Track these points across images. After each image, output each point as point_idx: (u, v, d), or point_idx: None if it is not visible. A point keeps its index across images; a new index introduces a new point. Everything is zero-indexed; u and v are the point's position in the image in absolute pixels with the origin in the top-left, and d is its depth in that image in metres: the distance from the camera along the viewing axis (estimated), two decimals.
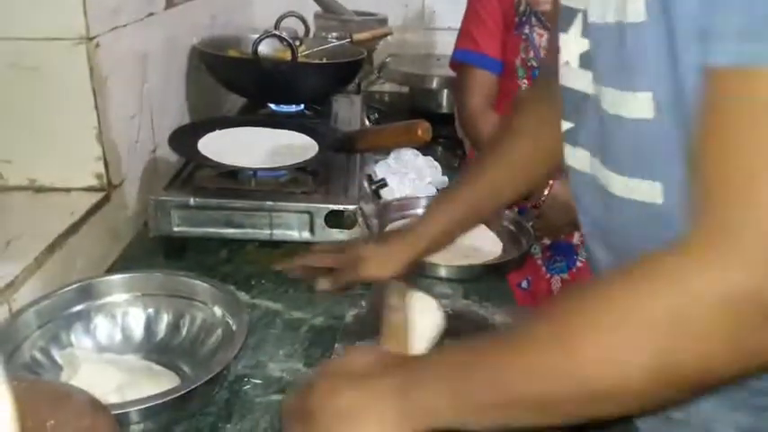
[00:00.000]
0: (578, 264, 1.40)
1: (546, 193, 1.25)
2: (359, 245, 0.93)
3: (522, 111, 0.89)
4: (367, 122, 1.55)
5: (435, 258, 0.98)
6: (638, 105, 0.55)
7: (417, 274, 1.02)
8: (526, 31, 1.26)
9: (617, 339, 0.46)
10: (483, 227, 1.10)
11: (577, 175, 0.68)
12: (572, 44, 0.64)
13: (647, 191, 0.57)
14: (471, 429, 0.52)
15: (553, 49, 0.72)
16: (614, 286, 0.49)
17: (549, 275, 1.43)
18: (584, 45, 0.63)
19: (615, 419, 0.57)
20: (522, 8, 1.30)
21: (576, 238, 1.38)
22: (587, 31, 0.61)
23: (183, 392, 0.66)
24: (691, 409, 0.63)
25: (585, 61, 0.63)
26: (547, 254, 1.41)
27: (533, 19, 1.29)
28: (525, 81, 1.30)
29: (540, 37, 1.25)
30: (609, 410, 0.49)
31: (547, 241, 1.39)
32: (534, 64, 1.27)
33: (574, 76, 0.65)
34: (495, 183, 0.88)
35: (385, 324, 0.75)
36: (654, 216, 0.58)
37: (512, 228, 1.17)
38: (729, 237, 0.44)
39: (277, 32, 1.37)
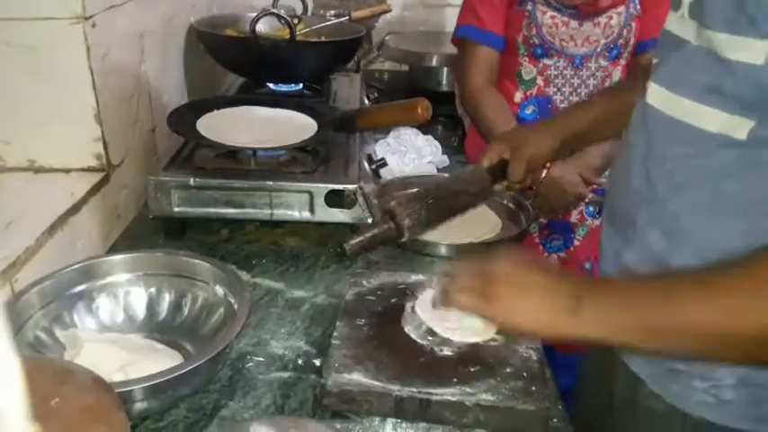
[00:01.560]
0: (575, 242, 1.40)
1: (543, 175, 1.25)
2: (506, 134, 0.99)
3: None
4: (366, 101, 1.55)
5: (434, 236, 0.98)
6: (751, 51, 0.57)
7: (415, 252, 1.03)
8: (529, 7, 1.25)
9: None
10: (483, 205, 1.10)
11: (649, 108, 0.71)
12: None
13: (736, 125, 0.61)
14: (629, 346, 0.61)
15: None
16: None
17: (546, 254, 1.43)
18: None
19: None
20: None
21: (573, 217, 1.38)
22: None
23: (185, 370, 0.67)
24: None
25: (692, 11, 0.66)
26: (544, 232, 1.41)
27: None
28: (526, 58, 1.29)
29: (543, 14, 1.24)
30: None
31: (544, 220, 1.39)
32: (536, 41, 1.26)
33: (680, 24, 0.68)
34: (625, 104, 0.88)
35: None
36: (736, 150, 0.61)
37: (511, 206, 1.18)
38: None
39: (275, 11, 1.36)
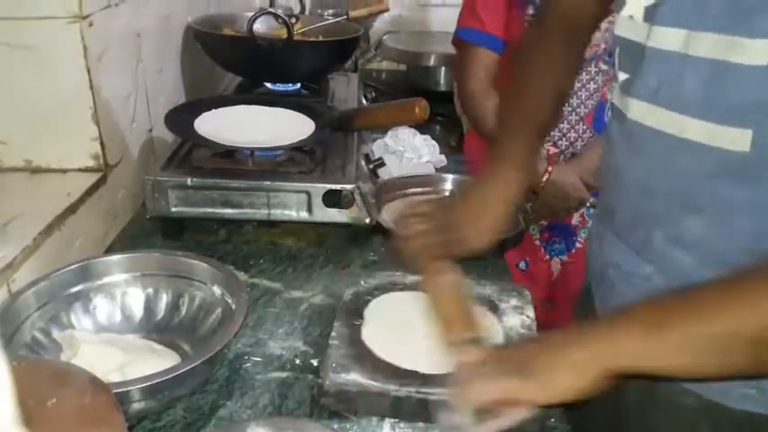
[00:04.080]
0: (577, 245, 1.40)
1: (545, 179, 1.25)
2: (449, 222, 0.84)
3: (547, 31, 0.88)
4: (364, 101, 1.55)
5: None
6: (753, 51, 0.55)
7: None
8: (530, 10, 1.25)
9: None
10: None
11: (635, 125, 0.68)
12: None
13: (735, 138, 0.58)
14: (659, 374, 0.57)
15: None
16: None
17: (548, 257, 1.43)
18: None
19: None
20: None
21: (574, 219, 1.38)
22: None
23: (183, 371, 0.66)
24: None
25: (649, 15, 0.64)
26: (545, 235, 1.41)
27: None
28: None
29: None
30: None
31: (544, 222, 1.39)
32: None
33: (635, 29, 0.67)
34: (542, 89, 0.85)
35: (437, 311, 0.72)
36: (731, 164, 0.59)
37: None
38: None
39: (272, 10, 1.36)
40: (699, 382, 0.67)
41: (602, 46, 1.25)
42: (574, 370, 0.57)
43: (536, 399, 0.59)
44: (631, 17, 0.67)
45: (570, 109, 1.29)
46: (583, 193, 1.23)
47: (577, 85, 1.29)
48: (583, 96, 1.29)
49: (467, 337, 0.67)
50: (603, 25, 1.23)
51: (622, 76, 0.71)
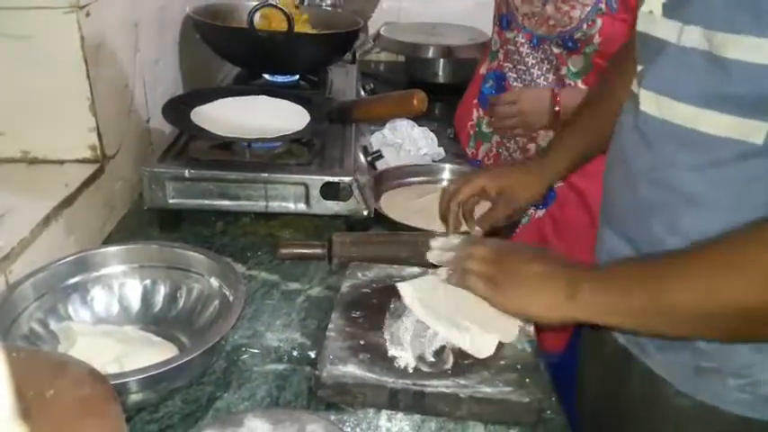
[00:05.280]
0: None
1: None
2: (497, 173, 0.98)
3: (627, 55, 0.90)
4: (362, 92, 1.54)
5: (429, 226, 0.99)
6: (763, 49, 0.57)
7: None
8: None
9: None
10: None
11: (646, 116, 0.70)
12: None
13: (750, 130, 0.60)
14: (621, 326, 0.68)
15: None
16: None
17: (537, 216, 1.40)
18: None
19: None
20: None
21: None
22: None
23: (181, 362, 0.67)
24: (723, 356, 0.67)
25: (669, 10, 0.66)
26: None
27: None
28: (496, 28, 1.33)
29: None
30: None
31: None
32: (503, 9, 1.29)
33: (654, 24, 0.68)
34: (613, 108, 0.87)
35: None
36: (743, 155, 0.61)
37: None
38: None
39: (272, 2, 1.35)
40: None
41: (558, 29, 1.21)
42: (541, 307, 0.68)
43: (501, 306, 0.72)
44: (651, 12, 0.68)
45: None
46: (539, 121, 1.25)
47: (531, 61, 1.29)
48: (534, 74, 1.29)
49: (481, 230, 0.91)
50: (564, 7, 1.19)
51: (639, 68, 0.72)
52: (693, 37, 0.62)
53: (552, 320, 0.68)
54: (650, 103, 0.69)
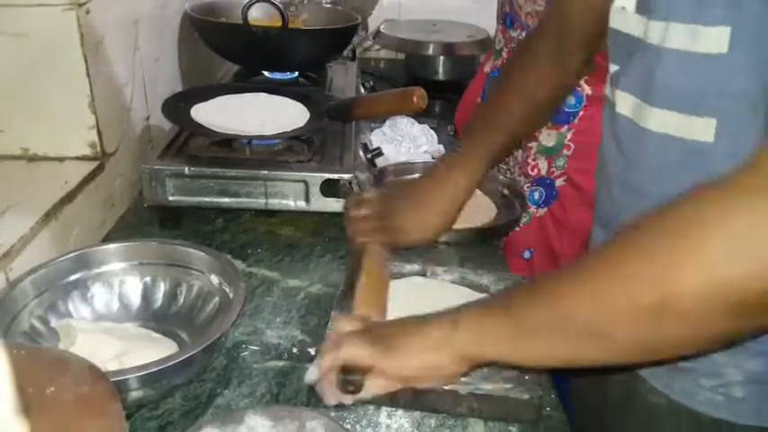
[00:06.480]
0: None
1: None
2: (394, 210, 0.90)
3: (541, 34, 0.89)
4: (362, 90, 1.54)
5: None
6: (712, 40, 0.55)
7: None
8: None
9: (666, 262, 0.48)
10: (478, 191, 1.10)
11: (620, 118, 0.68)
12: None
13: (701, 128, 0.58)
14: (510, 358, 0.59)
15: None
16: (671, 221, 0.50)
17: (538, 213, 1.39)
18: None
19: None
20: None
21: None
22: None
23: (181, 359, 0.67)
24: (699, 356, 0.65)
25: (641, 7, 0.63)
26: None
27: None
28: (501, 26, 1.31)
29: None
30: (663, 341, 0.51)
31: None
32: (507, 8, 1.28)
33: (628, 21, 0.66)
34: (523, 92, 0.86)
35: (360, 288, 0.77)
36: (697, 155, 0.59)
37: (505, 192, 1.17)
38: None
39: None
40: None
41: None
42: (427, 348, 0.61)
43: (390, 369, 0.63)
44: (624, 8, 0.66)
45: None
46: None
47: None
48: None
49: (360, 315, 0.72)
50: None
51: (613, 69, 0.70)
52: (669, 33, 0.60)
53: (445, 373, 0.62)
54: (625, 105, 0.67)
